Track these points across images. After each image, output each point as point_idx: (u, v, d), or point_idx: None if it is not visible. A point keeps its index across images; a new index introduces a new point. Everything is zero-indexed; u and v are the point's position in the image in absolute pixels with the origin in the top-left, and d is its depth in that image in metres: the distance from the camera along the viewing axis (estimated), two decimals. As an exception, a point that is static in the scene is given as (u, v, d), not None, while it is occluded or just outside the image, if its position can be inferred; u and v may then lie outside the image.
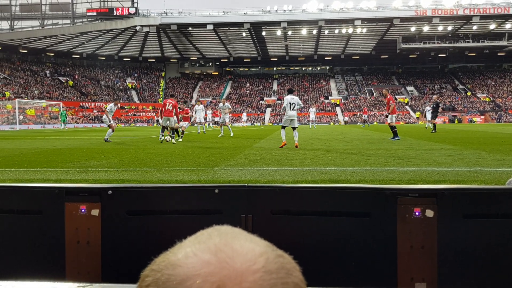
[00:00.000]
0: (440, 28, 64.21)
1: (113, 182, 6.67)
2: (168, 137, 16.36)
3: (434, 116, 24.16)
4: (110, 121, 17.25)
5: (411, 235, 1.74)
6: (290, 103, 13.03)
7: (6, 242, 1.92)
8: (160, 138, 16.57)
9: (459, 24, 63.44)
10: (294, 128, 13.16)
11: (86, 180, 6.82)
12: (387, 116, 18.02)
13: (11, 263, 1.90)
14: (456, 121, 60.42)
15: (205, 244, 0.46)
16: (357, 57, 79.03)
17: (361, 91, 78.12)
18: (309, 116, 34.60)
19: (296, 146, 12.70)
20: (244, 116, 55.76)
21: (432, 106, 25.60)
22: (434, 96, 30.00)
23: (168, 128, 16.65)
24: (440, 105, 24.66)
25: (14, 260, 1.91)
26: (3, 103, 53.11)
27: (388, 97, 17.87)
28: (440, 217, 1.73)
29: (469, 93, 72.05)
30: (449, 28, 64.79)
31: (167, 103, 16.65)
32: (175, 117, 16.62)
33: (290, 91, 13.61)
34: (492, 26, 63.65)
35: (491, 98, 69.51)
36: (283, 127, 13.40)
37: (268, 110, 69.29)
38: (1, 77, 62.14)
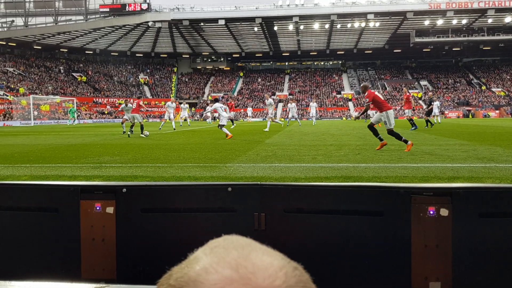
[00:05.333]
0: (455, 21, 63.26)
1: (127, 178, 6.72)
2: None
3: (428, 113, 23.72)
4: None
5: (426, 234, 1.72)
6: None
7: (23, 239, 1.95)
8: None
9: (474, 17, 62.44)
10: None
11: (100, 176, 6.88)
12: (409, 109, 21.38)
13: (28, 259, 1.93)
14: (470, 115, 59.65)
15: (223, 258, 0.45)
16: (370, 52, 78.31)
17: (374, 85, 77.39)
18: (310, 111, 33.26)
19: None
20: (249, 111, 51.31)
21: (428, 102, 24.63)
22: (430, 93, 29.52)
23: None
24: (432, 102, 23.95)
25: (31, 257, 1.94)
26: (18, 99, 53.75)
27: (407, 94, 21.51)
28: (455, 216, 1.71)
29: (483, 87, 71.02)
30: (464, 21, 63.81)
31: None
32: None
33: (216, 100, 17.53)
34: (508, 19, 62.48)
35: (506, 93, 68.40)
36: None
37: (280, 105, 69.09)
38: (16, 73, 62.90)
